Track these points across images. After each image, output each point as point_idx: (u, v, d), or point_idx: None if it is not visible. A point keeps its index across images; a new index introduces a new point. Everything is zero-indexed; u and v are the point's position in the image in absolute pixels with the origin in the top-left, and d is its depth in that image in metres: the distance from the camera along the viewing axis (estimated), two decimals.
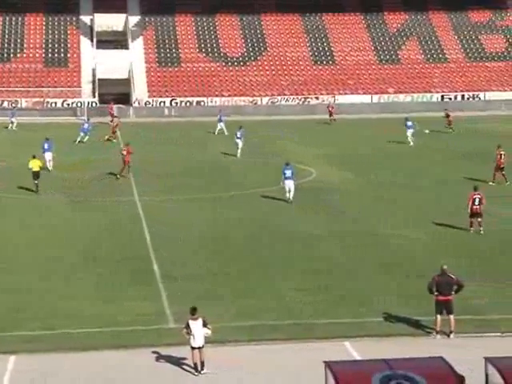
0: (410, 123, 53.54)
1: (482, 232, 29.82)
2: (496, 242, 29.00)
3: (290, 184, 35.38)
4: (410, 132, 52.99)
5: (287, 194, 35.40)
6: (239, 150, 47.57)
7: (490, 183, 38.82)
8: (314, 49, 78.02)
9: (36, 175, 37.62)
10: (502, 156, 39.44)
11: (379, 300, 22.82)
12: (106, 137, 54.61)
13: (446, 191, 37.62)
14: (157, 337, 20.40)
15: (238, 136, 48.10)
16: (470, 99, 74.39)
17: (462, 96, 74.53)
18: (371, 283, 24.48)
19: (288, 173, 35.35)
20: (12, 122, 61.76)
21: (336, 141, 55.21)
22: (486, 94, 74.44)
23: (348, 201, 36.13)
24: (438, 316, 20.49)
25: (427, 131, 57.52)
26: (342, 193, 37.78)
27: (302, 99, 72.88)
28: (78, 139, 53.77)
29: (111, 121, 62.33)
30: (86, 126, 54.92)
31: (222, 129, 57.16)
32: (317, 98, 73.02)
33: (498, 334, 20.66)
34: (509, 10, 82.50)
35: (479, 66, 77.49)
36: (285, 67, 76.11)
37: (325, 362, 13.78)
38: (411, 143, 52.45)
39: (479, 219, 29.99)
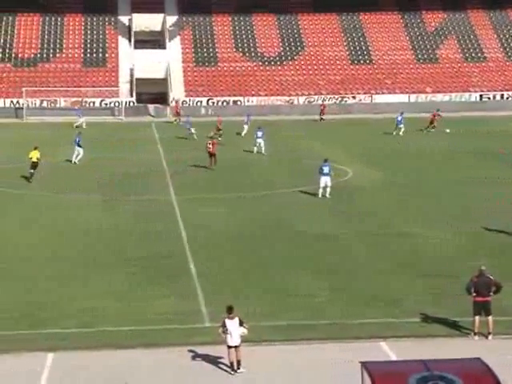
0: (400, 118, 57.53)
1: None
2: None
3: (326, 180, 35.97)
4: (401, 126, 57.20)
5: (321, 190, 35.93)
6: (263, 149, 48.50)
7: None
8: (351, 48, 77.75)
9: (34, 165, 40.24)
10: None
11: (414, 300, 22.68)
12: (211, 133, 55.28)
13: (481, 192, 37.26)
14: (193, 335, 20.44)
15: (259, 135, 48.95)
16: (510, 98, 73.61)
17: (502, 95, 73.79)
18: (404, 283, 24.31)
19: (325, 169, 36.00)
20: (81, 121, 61.98)
21: (368, 141, 54.98)
22: None
23: (377, 201, 35.96)
24: (477, 317, 20.29)
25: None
26: (371, 193, 37.64)
27: (339, 99, 72.67)
28: (193, 134, 55.17)
29: (176, 120, 63.11)
30: (187, 119, 57.23)
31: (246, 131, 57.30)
32: (354, 98, 72.78)
33: None
34: None
35: None
36: (321, 67, 75.95)
37: (361, 362, 13.72)
38: (401, 134, 56.65)
39: None
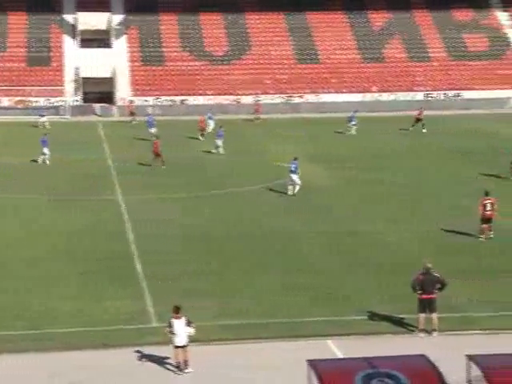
0: (351, 115, 58.83)
1: (491, 236, 29.13)
2: (477, 240, 29.13)
3: (292, 178, 36.91)
4: (353, 123, 57.98)
5: (289, 187, 36.84)
6: (220, 149, 48.42)
7: None
8: (298, 47, 78.02)
9: None
10: None
11: (362, 298, 22.88)
12: (200, 136, 54.36)
13: (435, 190, 37.73)
14: (139, 336, 20.37)
15: (219, 134, 49.12)
16: (453, 98, 74.65)
17: (445, 94, 74.78)
18: (354, 282, 24.53)
19: (292, 167, 37.25)
20: (44, 121, 60.78)
21: (319, 140, 55.27)
22: (468, 93, 74.73)
23: (331, 200, 36.21)
24: (421, 314, 20.56)
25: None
26: (326, 192, 37.89)
27: (286, 98, 72.88)
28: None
29: (132, 119, 62.40)
30: (149, 118, 55.88)
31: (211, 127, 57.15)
32: (300, 97, 73.04)
33: (480, 331, 20.74)
34: (491, 10, 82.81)
35: (462, 64, 77.71)
36: (268, 66, 76.05)
37: (308, 360, 13.80)
38: (352, 132, 57.26)
39: (490, 224, 29.20)
